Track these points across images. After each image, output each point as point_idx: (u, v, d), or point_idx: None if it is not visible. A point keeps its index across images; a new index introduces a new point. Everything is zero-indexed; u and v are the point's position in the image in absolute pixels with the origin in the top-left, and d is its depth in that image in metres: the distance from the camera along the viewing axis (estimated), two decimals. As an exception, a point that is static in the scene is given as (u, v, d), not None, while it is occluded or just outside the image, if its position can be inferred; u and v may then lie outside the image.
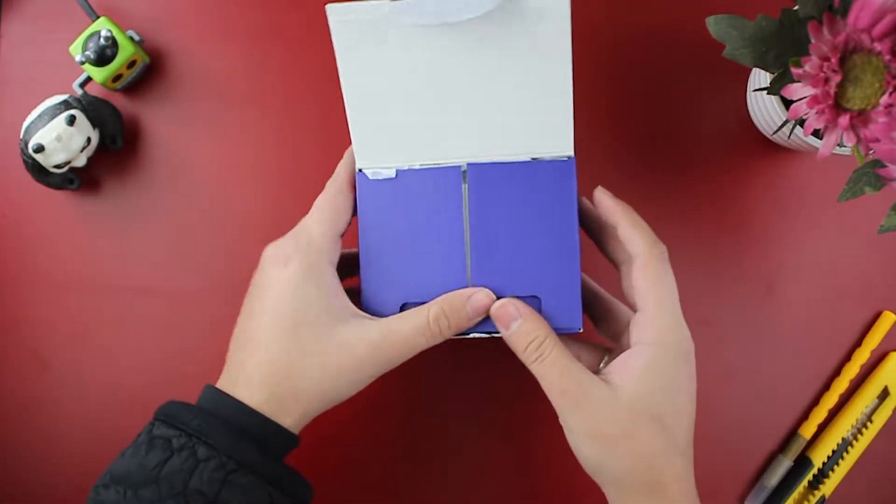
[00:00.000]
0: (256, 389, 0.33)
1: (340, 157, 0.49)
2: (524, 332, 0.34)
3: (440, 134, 0.39)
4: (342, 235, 0.37)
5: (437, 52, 0.37)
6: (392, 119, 0.39)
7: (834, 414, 0.48)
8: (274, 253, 0.36)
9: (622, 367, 0.33)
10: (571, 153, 0.38)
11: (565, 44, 0.36)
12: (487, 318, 0.36)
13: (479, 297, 0.35)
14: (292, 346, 0.33)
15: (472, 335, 0.37)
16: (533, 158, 0.39)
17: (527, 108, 0.38)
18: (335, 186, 0.37)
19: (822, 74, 0.31)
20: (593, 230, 0.39)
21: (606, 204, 0.36)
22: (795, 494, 0.47)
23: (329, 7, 0.36)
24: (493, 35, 0.36)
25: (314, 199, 0.39)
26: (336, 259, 0.36)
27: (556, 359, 0.33)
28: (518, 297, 0.36)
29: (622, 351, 0.34)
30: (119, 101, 0.49)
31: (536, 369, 0.34)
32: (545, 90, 0.38)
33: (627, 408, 0.32)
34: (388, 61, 0.38)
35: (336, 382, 0.34)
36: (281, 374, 0.33)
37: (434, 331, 0.34)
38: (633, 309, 0.35)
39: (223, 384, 0.35)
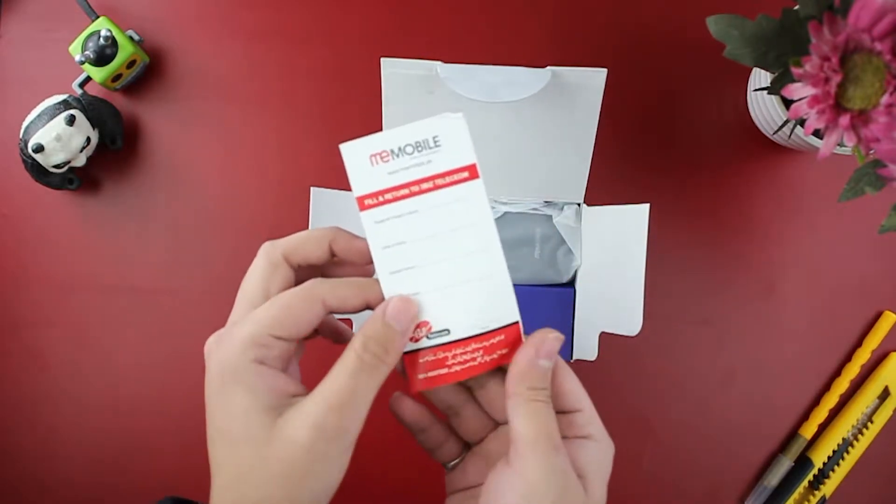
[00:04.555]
0: None
1: (339, 157, 0.49)
2: (546, 372, 0.30)
3: None
4: (301, 339, 0.32)
5: (478, 107, 0.40)
6: None
7: (834, 414, 0.48)
8: (205, 349, 0.31)
9: (580, 457, 0.30)
10: (582, 201, 0.44)
11: (594, 114, 0.40)
12: None
13: (394, 303, 0.31)
14: (235, 463, 0.29)
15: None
16: (546, 202, 0.44)
17: (549, 160, 0.42)
18: (301, 291, 0.31)
19: (822, 74, 0.31)
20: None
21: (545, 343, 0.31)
22: (796, 494, 0.47)
23: (384, 60, 0.39)
24: (530, 102, 0.40)
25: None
26: (273, 351, 0.30)
27: (548, 407, 0.30)
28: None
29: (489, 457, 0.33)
30: (119, 101, 0.49)
31: (527, 408, 0.29)
32: (569, 149, 0.42)
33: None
34: (429, 107, 0.40)
35: (285, 484, 0.29)
36: (233, 500, 0.29)
37: (371, 362, 0.30)
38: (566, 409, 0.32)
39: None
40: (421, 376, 0.32)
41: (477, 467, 0.33)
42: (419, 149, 0.31)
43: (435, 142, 0.31)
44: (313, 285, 0.31)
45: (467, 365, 0.32)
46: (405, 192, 0.32)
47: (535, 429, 0.29)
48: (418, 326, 0.32)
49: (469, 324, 0.32)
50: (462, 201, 0.32)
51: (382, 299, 0.31)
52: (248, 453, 0.29)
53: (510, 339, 0.32)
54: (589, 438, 0.30)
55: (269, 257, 0.32)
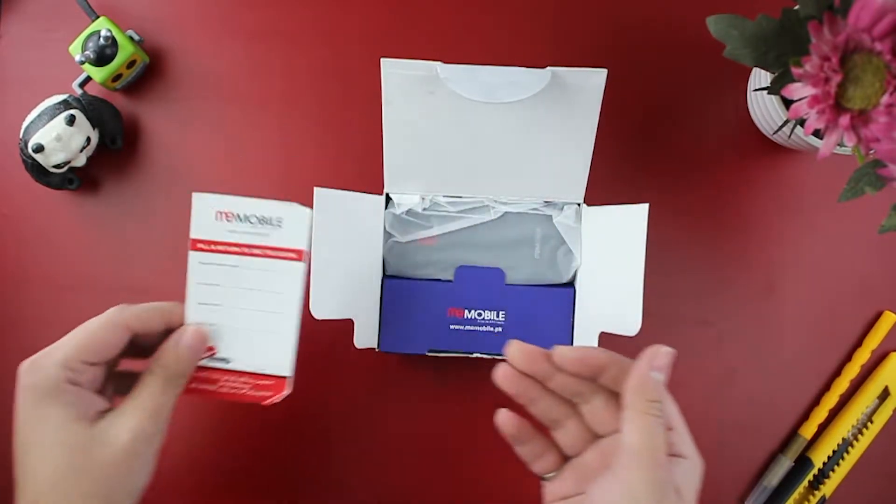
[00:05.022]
0: None
1: (339, 157, 0.49)
2: (658, 385, 0.32)
3: (466, 172, 0.43)
4: (106, 363, 0.36)
5: (478, 108, 0.40)
6: (423, 154, 0.42)
7: (834, 414, 0.48)
8: (19, 370, 0.35)
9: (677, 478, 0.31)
10: (582, 201, 0.44)
11: (594, 114, 0.40)
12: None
13: (190, 332, 0.36)
14: (49, 469, 0.33)
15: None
16: (546, 202, 0.44)
17: (549, 160, 0.42)
18: (104, 320, 0.36)
19: (822, 74, 0.31)
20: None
21: (576, 354, 0.34)
22: (796, 495, 0.47)
23: (384, 61, 0.39)
24: (530, 102, 0.40)
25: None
26: (83, 375, 0.35)
27: (661, 428, 0.31)
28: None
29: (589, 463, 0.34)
30: (119, 101, 0.49)
31: (641, 422, 0.31)
32: (569, 149, 0.42)
33: None
34: (429, 107, 0.41)
35: (110, 482, 0.33)
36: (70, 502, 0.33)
37: (172, 379, 0.36)
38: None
39: None
40: (192, 385, 0.38)
41: (574, 478, 0.35)
42: (262, 222, 0.37)
43: (278, 222, 0.37)
44: (117, 312, 0.36)
45: (234, 391, 0.38)
46: (235, 249, 0.37)
47: (645, 442, 0.30)
48: (207, 349, 0.38)
49: (247, 362, 0.38)
50: (281, 273, 0.38)
51: (181, 323, 0.37)
52: (65, 460, 0.32)
53: (277, 386, 0.38)
54: (682, 457, 0.32)
55: (112, 317, 0.36)
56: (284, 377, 0.38)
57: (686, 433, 0.33)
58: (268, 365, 0.38)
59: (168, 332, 0.37)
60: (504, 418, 0.35)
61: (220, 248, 0.37)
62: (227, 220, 0.37)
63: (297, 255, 0.38)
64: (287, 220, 0.37)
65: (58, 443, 0.33)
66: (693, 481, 0.32)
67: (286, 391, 0.39)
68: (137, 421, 0.34)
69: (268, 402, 0.39)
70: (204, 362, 0.38)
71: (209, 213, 0.38)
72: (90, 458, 0.33)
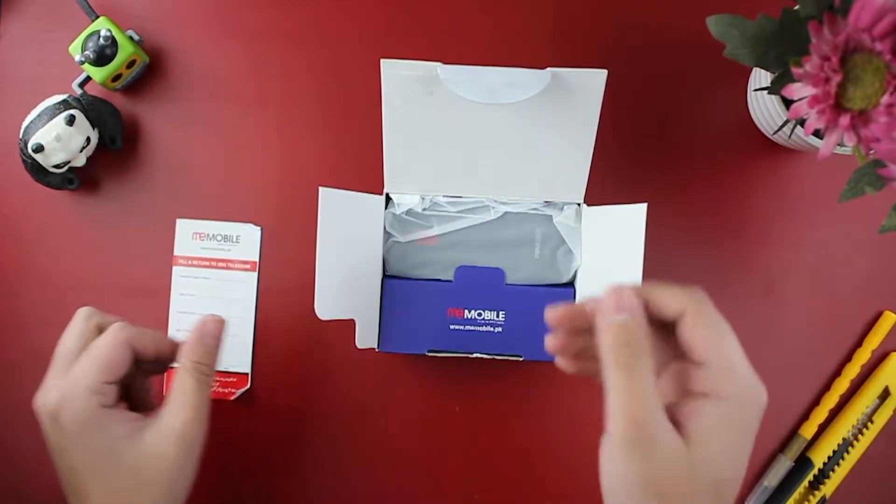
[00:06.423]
0: None
1: (339, 157, 0.49)
2: (627, 330, 0.30)
3: (466, 172, 0.43)
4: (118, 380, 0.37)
5: (477, 109, 0.40)
6: (423, 154, 0.42)
7: (834, 414, 0.48)
8: (44, 406, 0.36)
9: (692, 419, 0.29)
10: (582, 201, 0.44)
11: (594, 115, 0.40)
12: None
13: (211, 322, 0.38)
14: (112, 492, 0.34)
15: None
16: (546, 202, 0.44)
17: (549, 160, 0.42)
18: (112, 340, 0.36)
19: (822, 74, 0.31)
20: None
21: (622, 292, 0.31)
22: (796, 495, 0.47)
23: (383, 62, 0.39)
24: (530, 103, 0.40)
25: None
26: (108, 395, 0.36)
27: (640, 373, 0.29)
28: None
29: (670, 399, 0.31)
30: (118, 101, 0.49)
31: (616, 376, 0.29)
32: (569, 149, 0.42)
33: (694, 469, 0.28)
34: (428, 108, 0.41)
35: (167, 491, 0.35)
36: None
37: (203, 378, 0.37)
38: (695, 361, 0.31)
39: None
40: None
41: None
42: (226, 240, 0.47)
43: (237, 239, 0.47)
44: (119, 331, 0.37)
45: None
46: (207, 263, 0.47)
47: (622, 402, 0.28)
48: None
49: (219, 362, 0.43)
50: (240, 282, 0.47)
51: (171, 352, 0.38)
52: (123, 478, 0.34)
53: (240, 381, 0.47)
54: (712, 395, 0.29)
55: (118, 336, 0.37)
56: (246, 373, 0.46)
57: (725, 365, 0.29)
58: (233, 364, 0.47)
59: (156, 360, 0.38)
60: (552, 316, 0.33)
61: (195, 262, 0.47)
62: (201, 239, 0.47)
63: (252, 265, 0.47)
64: (243, 238, 0.47)
65: (111, 467, 0.34)
66: (738, 423, 0.29)
67: (247, 386, 0.47)
68: (181, 429, 0.35)
69: (233, 396, 0.47)
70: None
71: (189, 234, 0.47)
72: (146, 473, 0.34)
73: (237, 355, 0.47)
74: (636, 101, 0.48)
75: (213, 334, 0.38)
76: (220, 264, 0.47)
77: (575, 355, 0.33)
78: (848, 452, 0.47)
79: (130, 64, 0.47)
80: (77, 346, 0.37)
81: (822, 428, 0.47)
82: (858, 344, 0.48)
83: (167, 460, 0.35)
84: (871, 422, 0.47)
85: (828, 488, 0.47)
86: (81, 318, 0.38)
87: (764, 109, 0.44)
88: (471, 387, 0.47)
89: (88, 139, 0.46)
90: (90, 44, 0.46)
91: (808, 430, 0.47)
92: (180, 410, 0.35)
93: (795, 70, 0.31)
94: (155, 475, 0.35)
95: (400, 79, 0.39)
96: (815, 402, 0.48)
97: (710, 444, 0.29)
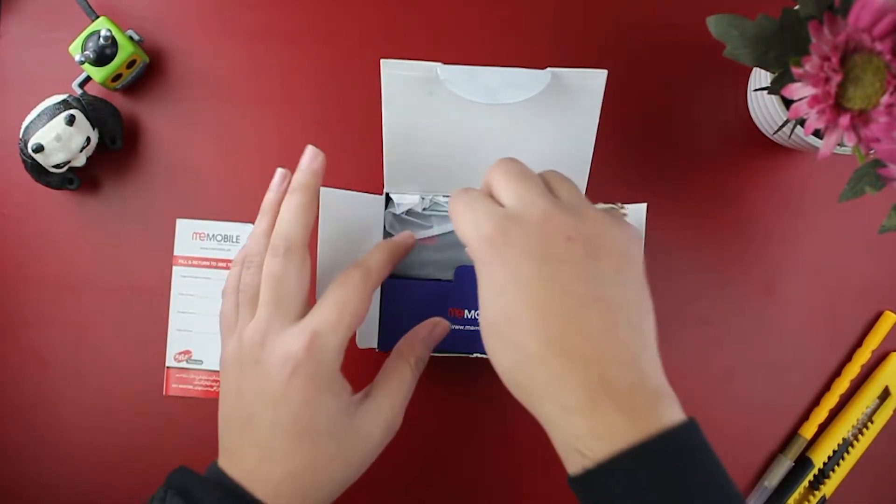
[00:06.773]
0: (275, 496, 0.33)
1: (339, 157, 0.49)
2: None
3: (466, 172, 0.42)
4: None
5: (477, 109, 0.40)
6: (423, 154, 0.42)
7: (835, 414, 0.48)
8: (281, 355, 0.34)
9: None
10: None
11: (594, 115, 0.40)
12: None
13: (442, 326, 0.40)
14: (316, 455, 0.34)
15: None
16: None
17: (549, 161, 0.41)
18: (363, 288, 0.36)
19: (822, 74, 0.31)
20: None
21: None
22: (796, 495, 0.47)
23: (383, 62, 0.39)
24: (530, 103, 0.39)
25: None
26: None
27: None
28: None
29: None
30: (118, 101, 0.49)
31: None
32: (569, 150, 0.42)
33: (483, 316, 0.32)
34: (428, 108, 0.40)
35: (357, 471, 0.36)
36: (305, 485, 0.34)
37: (417, 374, 0.39)
38: None
39: (233, 474, 0.34)
40: (174, 385, 0.47)
41: None
42: (225, 240, 0.47)
43: (237, 239, 0.47)
44: (364, 281, 0.36)
45: (206, 388, 0.47)
46: (207, 263, 0.48)
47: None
48: (184, 352, 0.47)
49: (216, 362, 0.44)
50: None
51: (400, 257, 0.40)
52: (330, 448, 0.34)
53: None
54: None
55: (366, 290, 0.37)
56: None
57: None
58: None
59: None
60: None
61: (194, 262, 0.47)
62: (201, 239, 0.47)
63: None
64: (243, 237, 0.47)
65: (326, 433, 0.34)
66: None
67: None
68: (389, 417, 0.36)
69: None
70: (182, 364, 0.47)
71: (189, 234, 0.47)
72: (351, 449, 0.35)
73: None
74: (636, 102, 0.48)
75: (439, 339, 0.40)
76: (221, 264, 0.47)
77: None
78: (848, 452, 0.47)
79: (130, 64, 0.47)
80: (305, 287, 0.36)
81: (822, 428, 0.47)
82: (858, 344, 0.48)
83: (372, 442, 0.36)
84: (871, 422, 0.47)
85: (828, 488, 0.47)
86: (299, 256, 0.36)
87: (764, 109, 0.44)
88: (471, 387, 0.47)
89: (88, 139, 0.46)
90: (90, 44, 0.46)
91: (808, 431, 0.47)
92: (395, 400, 0.37)
93: (795, 70, 0.31)
94: (357, 453, 0.35)
95: (400, 79, 0.39)
96: (815, 402, 0.48)
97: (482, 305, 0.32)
